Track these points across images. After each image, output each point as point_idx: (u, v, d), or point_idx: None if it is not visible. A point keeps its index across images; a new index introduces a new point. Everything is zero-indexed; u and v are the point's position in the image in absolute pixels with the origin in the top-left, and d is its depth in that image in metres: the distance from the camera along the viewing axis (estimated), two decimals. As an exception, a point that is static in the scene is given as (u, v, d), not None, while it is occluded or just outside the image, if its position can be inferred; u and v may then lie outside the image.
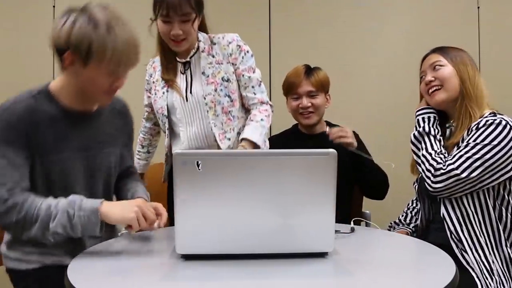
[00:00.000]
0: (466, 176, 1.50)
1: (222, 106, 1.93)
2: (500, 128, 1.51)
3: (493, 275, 1.50)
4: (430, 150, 1.62)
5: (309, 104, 2.12)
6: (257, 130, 1.91)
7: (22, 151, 1.35)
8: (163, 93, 1.98)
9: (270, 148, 2.12)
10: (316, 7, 3.01)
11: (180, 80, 1.97)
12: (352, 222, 1.64)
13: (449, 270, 1.20)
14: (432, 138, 1.64)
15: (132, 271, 1.25)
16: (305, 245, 1.28)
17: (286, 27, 3.01)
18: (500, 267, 1.52)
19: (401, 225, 1.86)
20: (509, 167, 1.51)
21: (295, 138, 2.22)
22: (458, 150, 1.54)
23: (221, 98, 1.93)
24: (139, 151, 2.26)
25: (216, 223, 1.25)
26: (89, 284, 1.15)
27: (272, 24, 3.01)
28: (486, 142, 1.50)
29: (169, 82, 1.97)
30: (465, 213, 1.55)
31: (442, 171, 1.55)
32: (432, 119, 1.67)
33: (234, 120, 1.97)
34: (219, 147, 1.93)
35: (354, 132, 2.16)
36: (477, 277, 1.49)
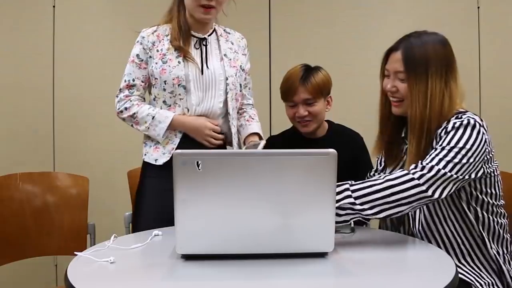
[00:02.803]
0: (449, 172, 1.40)
1: (236, 91, 1.97)
2: (469, 129, 1.44)
3: (483, 278, 1.49)
4: (378, 187, 1.40)
5: (306, 113, 2.00)
6: (260, 130, 2.01)
7: None
8: (179, 62, 1.90)
9: (268, 148, 2.10)
10: (316, 7, 3.01)
11: (194, 54, 1.93)
12: (352, 222, 1.64)
13: (449, 270, 1.20)
14: (353, 187, 1.43)
15: (132, 271, 1.25)
16: (305, 245, 1.28)
17: (286, 27, 3.01)
18: (488, 273, 1.51)
19: None
20: (479, 167, 1.46)
21: (294, 142, 2.12)
22: (431, 154, 1.43)
23: (237, 84, 1.96)
24: (149, 109, 1.96)
25: (216, 223, 1.25)
26: (89, 284, 1.15)
27: (272, 24, 3.01)
28: (460, 145, 1.42)
29: (184, 51, 1.90)
30: (438, 224, 1.51)
31: (426, 175, 1.39)
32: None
33: (237, 110, 2.03)
34: (226, 130, 1.96)
35: (359, 135, 2.13)
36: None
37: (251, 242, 1.26)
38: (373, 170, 1.85)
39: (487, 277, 1.49)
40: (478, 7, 2.95)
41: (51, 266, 2.87)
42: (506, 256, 1.54)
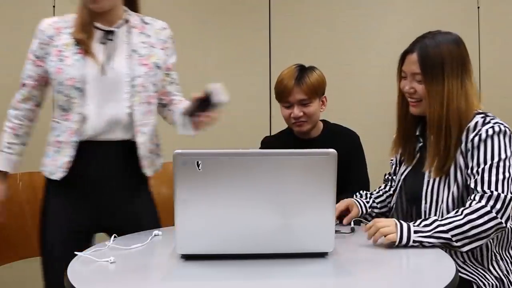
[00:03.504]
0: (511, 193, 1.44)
1: (148, 94, 1.68)
2: (507, 138, 1.48)
3: (487, 279, 1.50)
4: (459, 222, 1.42)
5: (301, 114, 1.98)
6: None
7: None
8: (77, 60, 1.61)
9: (262, 148, 2.09)
10: (316, 7, 3.01)
11: (97, 50, 1.64)
12: (352, 222, 1.64)
13: (449, 270, 1.20)
14: (432, 224, 1.43)
15: (132, 271, 1.25)
16: (305, 245, 1.28)
17: (286, 27, 3.01)
18: (493, 276, 1.51)
19: (365, 200, 1.80)
20: None
21: (289, 142, 2.10)
22: (486, 176, 1.44)
23: (149, 85, 1.68)
24: (11, 143, 1.77)
25: (216, 223, 1.25)
26: (89, 284, 1.15)
27: (272, 24, 3.01)
28: (503, 157, 1.46)
29: (84, 46, 1.61)
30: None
31: (497, 206, 1.41)
32: (407, 229, 1.42)
33: (152, 114, 1.73)
34: (129, 139, 1.68)
35: (355, 134, 2.13)
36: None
37: (251, 242, 1.26)
38: (387, 174, 1.88)
39: (491, 279, 1.49)
40: (478, 7, 2.95)
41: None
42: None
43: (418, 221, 1.42)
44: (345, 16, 3.00)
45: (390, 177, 1.86)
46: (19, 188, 2.03)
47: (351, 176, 1.93)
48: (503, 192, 1.42)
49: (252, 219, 1.25)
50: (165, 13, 2.99)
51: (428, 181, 1.56)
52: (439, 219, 1.43)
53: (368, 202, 1.79)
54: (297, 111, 1.98)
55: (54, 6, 2.90)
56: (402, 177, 1.69)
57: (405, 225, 1.40)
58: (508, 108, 2.95)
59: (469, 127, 1.50)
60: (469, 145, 1.49)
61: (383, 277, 1.20)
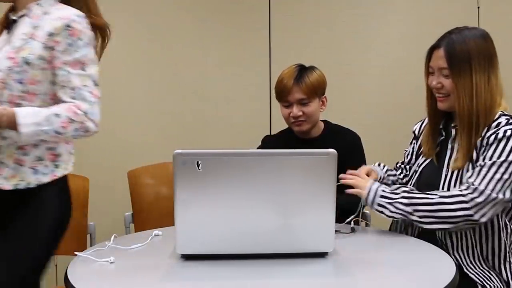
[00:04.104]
0: (502, 198, 1.44)
1: (11, 92, 1.42)
2: None
3: (492, 281, 1.49)
4: (430, 200, 1.48)
5: (300, 113, 1.97)
6: (37, 117, 1.37)
7: None
8: None
9: (262, 148, 2.09)
10: (316, 7, 3.01)
11: (1, 40, 1.51)
12: (352, 222, 1.64)
13: (449, 270, 1.20)
14: (408, 195, 1.51)
15: (132, 271, 1.25)
16: (305, 245, 1.28)
17: (286, 27, 3.01)
18: (499, 280, 1.51)
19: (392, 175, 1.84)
20: None
21: (289, 142, 2.09)
22: (481, 172, 1.46)
23: (12, 82, 1.42)
24: None
25: (216, 223, 1.25)
26: (89, 284, 1.16)
27: (272, 24, 3.01)
28: (509, 159, 1.45)
29: None
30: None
31: (476, 200, 1.43)
32: (381, 191, 1.54)
33: None
34: None
35: (356, 135, 2.13)
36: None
37: (251, 242, 1.26)
38: (399, 162, 1.89)
39: (497, 282, 1.49)
40: (478, 7, 2.94)
41: (51, 266, 2.87)
42: None
43: (393, 187, 1.53)
44: (345, 16, 3.00)
45: (403, 166, 1.86)
46: (19, 188, 2.02)
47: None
48: (491, 190, 1.43)
49: (252, 219, 1.25)
50: (165, 12, 2.99)
51: (446, 175, 1.58)
52: (410, 190, 1.50)
53: (383, 169, 1.84)
54: (296, 111, 1.98)
55: (54, 6, 2.90)
56: (420, 168, 1.69)
57: (375, 185, 1.54)
58: (509, 109, 2.95)
59: (491, 125, 1.52)
60: (485, 141, 1.50)
61: (383, 277, 1.20)
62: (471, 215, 1.43)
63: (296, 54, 2.92)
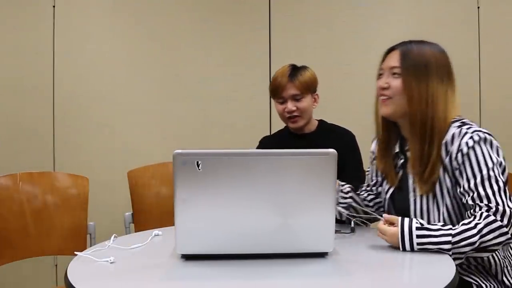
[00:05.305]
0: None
1: None
2: (483, 145, 1.43)
3: (488, 281, 1.49)
4: (459, 231, 1.37)
5: (294, 108, 2.06)
6: None
7: None
8: None
9: (261, 148, 2.12)
10: (316, 7, 3.01)
11: None
12: (352, 223, 1.64)
13: (449, 270, 1.20)
14: (439, 231, 1.37)
15: (132, 271, 1.25)
16: (305, 245, 1.28)
17: (286, 27, 3.01)
18: (496, 282, 1.50)
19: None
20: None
21: (285, 138, 2.19)
22: (477, 192, 1.40)
23: None
24: None
25: (216, 223, 1.25)
26: (89, 284, 1.16)
27: (272, 24, 3.01)
28: (490, 166, 1.41)
29: None
30: None
31: (500, 222, 1.36)
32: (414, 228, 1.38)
33: None
34: None
35: (350, 133, 2.14)
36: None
37: (251, 242, 1.26)
38: (365, 185, 1.82)
39: (493, 282, 1.49)
40: (478, 7, 2.95)
41: (51, 266, 2.87)
42: None
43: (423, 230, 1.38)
44: (345, 16, 3.00)
45: (368, 188, 1.79)
46: (19, 188, 2.03)
47: (345, 175, 1.93)
48: (506, 206, 1.38)
49: (252, 219, 1.25)
50: (166, 12, 3.00)
51: (415, 200, 1.53)
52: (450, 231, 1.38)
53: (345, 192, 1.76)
54: (290, 105, 2.07)
55: (54, 6, 2.90)
56: (388, 195, 1.64)
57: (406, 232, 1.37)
58: (509, 108, 2.95)
59: (446, 141, 1.46)
60: (454, 163, 1.45)
61: (383, 277, 1.20)
62: (510, 238, 1.38)
63: (296, 54, 2.92)
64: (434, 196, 1.50)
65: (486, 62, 2.92)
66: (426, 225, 1.38)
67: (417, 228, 1.36)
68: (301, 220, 1.26)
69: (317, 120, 2.19)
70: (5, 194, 2.01)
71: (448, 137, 1.46)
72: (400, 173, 1.60)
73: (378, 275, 1.21)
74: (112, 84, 2.96)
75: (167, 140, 2.94)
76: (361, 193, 1.79)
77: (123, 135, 2.95)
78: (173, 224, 1.26)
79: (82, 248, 1.93)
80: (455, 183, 1.47)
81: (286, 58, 2.88)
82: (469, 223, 1.37)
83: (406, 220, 1.38)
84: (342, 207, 1.71)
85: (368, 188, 1.79)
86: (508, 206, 1.38)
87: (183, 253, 1.28)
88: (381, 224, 1.42)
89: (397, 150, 1.62)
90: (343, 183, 1.78)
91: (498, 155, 1.45)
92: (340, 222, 1.69)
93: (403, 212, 1.55)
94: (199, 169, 1.22)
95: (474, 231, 1.35)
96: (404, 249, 1.35)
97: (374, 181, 1.76)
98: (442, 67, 1.51)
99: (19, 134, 2.88)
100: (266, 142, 2.22)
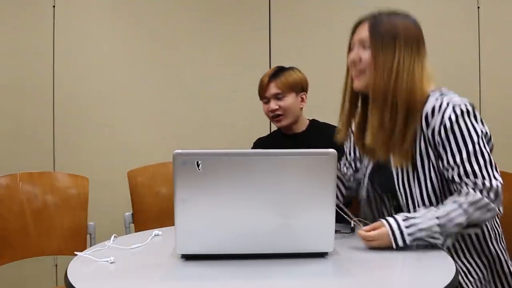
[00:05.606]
0: (500, 183, 1.40)
1: None
2: (466, 118, 1.41)
3: (476, 270, 1.50)
4: (446, 212, 1.39)
5: (276, 107, 2.12)
6: None
7: None
8: None
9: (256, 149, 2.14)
10: (316, 7, 3.01)
11: None
12: (352, 223, 1.64)
13: (449, 270, 1.20)
14: (432, 214, 1.39)
15: (132, 271, 1.25)
16: (305, 245, 1.28)
17: (286, 27, 3.01)
18: (484, 266, 1.51)
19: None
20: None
21: (278, 139, 2.23)
22: (463, 168, 1.40)
23: None
24: None
25: (216, 223, 1.25)
26: (89, 284, 1.15)
27: (272, 24, 3.01)
28: (475, 140, 1.40)
29: None
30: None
31: (486, 199, 1.38)
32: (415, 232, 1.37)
33: None
34: None
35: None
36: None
37: (251, 242, 1.26)
38: (343, 159, 1.80)
39: (481, 269, 1.49)
40: (478, 7, 2.95)
41: (51, 266, 2.87)
42: (505, 253, 1.54)
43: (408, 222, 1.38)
44: (345, 16, 2.99)
45: (347, 164, 1.77)
46: (19, 188, 2.03)
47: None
48: (493, 179, 1.39)
49: (252, 219, 1.25)
50: (165, 12, 3.00)
51: (398, 174, 1.51)
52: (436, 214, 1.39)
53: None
54: (272, 104, 2.12)
55: (54, 6, 2.90)
56: (368, 171, 1.63)
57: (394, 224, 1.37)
58: (509, 108, 2.95)
59: (427, 113, 1.44)
60: (437, 138, 1.43)
61: (383, 277, 1.20)
62: (499, 212, 1.41)
63: (296, 54, 2.93)
64: (415, 168, 1.48)
65: (486, 62, 2.92)
66: (410, 215, 1.39)
67: (404, 220, 1.37)
68: (301, 220, 1.26)
69: (308, 119, 2.22)
70: (5, 194, 2.01)
71: (428, 108, 1.44)
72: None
73: (378, 275, 1.21)
74: (112, 84, 2.96)
75: (167, 140, 2.94)
76: (341, 169, 1.78)
77: (123, 135, 2.95)
78: (173, 224, 1.26)
79: (82, 248, 1.93)
80: (438, 156, 1.46)
81: (286, 58, 2.89)
82: (454, 202, 1.39)
83: (389, 218, 1.39)
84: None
85: (347, 163, 1.77)
86: (495, 178, 1.39)
87: (183, 253, 1.28)
88: (363, 232, 1.39)
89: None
90: None
91: (482, 124, 1.44)
92: (340, 222, 1.69)
93: (387, 187, 1.56)
94: (199, 169, 1.22)
95: (460, 210, 1.37)
96: (397, 246, 1.35)
97: (353, 156, 1.75)
98: (411, 38, 1.47)
99: (19, 134, 2.88)
100: (261, 144, 2.25)
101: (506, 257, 1.53)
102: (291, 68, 2.17)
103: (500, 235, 1.56)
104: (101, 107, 2.94)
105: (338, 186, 1.73)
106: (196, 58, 2.99)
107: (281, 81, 2.12)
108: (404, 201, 1.51)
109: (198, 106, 2.99)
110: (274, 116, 2.14)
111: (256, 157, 1.25)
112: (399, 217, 1.38)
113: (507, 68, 2.95)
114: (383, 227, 1.37)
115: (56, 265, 2.89)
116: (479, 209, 1.38)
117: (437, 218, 1.37)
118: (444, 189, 1.49)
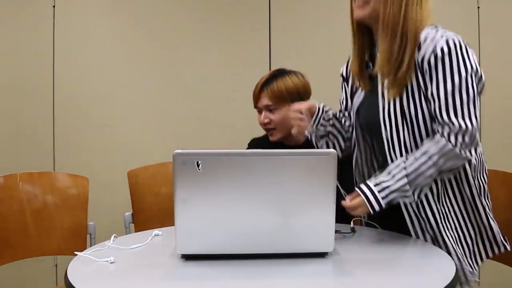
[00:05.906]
0: (476, 126, 1.39)
1: None
2: (459, 50, 1.39)
3: (462, 243, 1.49)
4: (411, 164, 1.42)
5: (267, 120, 1.92)
6: None
7: None
8: None
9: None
10: (316, 7, 3.01)
11: None
12: (352, 222, 1.64)
13: (449, 270, 1.20)
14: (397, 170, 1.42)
15: (132, 271, 1.25)
16: (305, 245, 1.28)
17: (286, 27, 3.01)
18: (473, 231, 1.50)
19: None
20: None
21: (272, 146, 2.02)
22: (445, 101, 1.39)
23: None
24: None
25: (216, 223, 1.25)
26: (89, 284, 1.16)
27: (272, 24, 3.01)
28: (463, 75, 1.38)
29: None
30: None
31: (459, 147, 1.38)
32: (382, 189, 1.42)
33: None
34: None
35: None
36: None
37: (251, 242, 1.26)
38: (338, 111, 1.76)
39: (460, 219, 1.49)
40: (478, 7, 2.95)
41: (51, 266, 2.87)
42: (489, 210, 1.53)
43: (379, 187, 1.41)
44: (345, 16, 2.98)
45: (341, 114, 1.75)
46: (19, 188, 2.03)
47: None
48: (473, 119, 1.37)
49: (252, 219, 1.25)
50: (165, 12, 3.00)
51: (383, 106, 1.50)
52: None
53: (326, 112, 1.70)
54: (262, 117, 1.94)
55: (54, 6, 2.90)
56: (357, 105, 1.63)
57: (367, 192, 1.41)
58: (509, 109, 2.95)
59: (420, 41, 1.43)
60: (425, 65, 1.42)
61: (383, 277, 1.20)
62: (469, 157, 1.41)
63: (296, 54, 2.92)
64: (401, 100, 1.47)
65: (486, 62, 2.92)
66: (380, 179, 1.42)
67: (375, 185, 1.41)
68: (301, 220, 1.26)
69: None
70: (5, 194, 2.01)
71: (422, 37, 1.44)
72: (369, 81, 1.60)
73: (378, 275, 1.21)
74: (112, 84, 2.96)
75: (167, 140, 2.94)
76: (340, 120, 1.74)
77: (123, 135, 2.95)
78: (173, 224, 1.26)
79: (82, 248, 1.93)
80: (424, 85, 1.45)
81: (286, 58, 2.89)
82: (425, 154, 1.40)
83: (363, 186, 1.43)
84: (320, 135, 1.67)
85: (341, 114, 1.75)
86: (475, 119, 1.38)
87: (183, 253, 1.28)
88: (346, 203, 1.44)
89: (366, 58, 1.63)
90: (325, 105, 1.67)
91: (477, 64, 1.42)
92: (340, 222, 1.69)
93: (371, 124, 1.55)
94: (199, 169, 1.22)
95: (430, 163, 1.40)
96: (374, 211, 1.40)
97: (345, 104, 1.74)
98: None
99: (19, 134, 2.88)
100: (255, 146, 2.12)
101: (489, 214, 1.52)
102: (290, 73, 1.96)
103: (486, 192, 1.54)
104: (101, 107, 2.94)
105: (337, 139, 1.70)
106: (196, 58, 2.99)
107: (273, 91, 1.90)
108: (389, 133, 1.49)
109: (198, 106, 2.99)
110: (266, 129, 1.97)
111: (256, 157, 1.25)
112: (371, 183, 1.42)
113: (507, 68, 2.95)
114: (360, 196, 1.42)
115: (56, 265, 2.89)
116: (450, 159, 1.40)
117: (407, 176, 1.40)
118: (426, 130, 1.47)
